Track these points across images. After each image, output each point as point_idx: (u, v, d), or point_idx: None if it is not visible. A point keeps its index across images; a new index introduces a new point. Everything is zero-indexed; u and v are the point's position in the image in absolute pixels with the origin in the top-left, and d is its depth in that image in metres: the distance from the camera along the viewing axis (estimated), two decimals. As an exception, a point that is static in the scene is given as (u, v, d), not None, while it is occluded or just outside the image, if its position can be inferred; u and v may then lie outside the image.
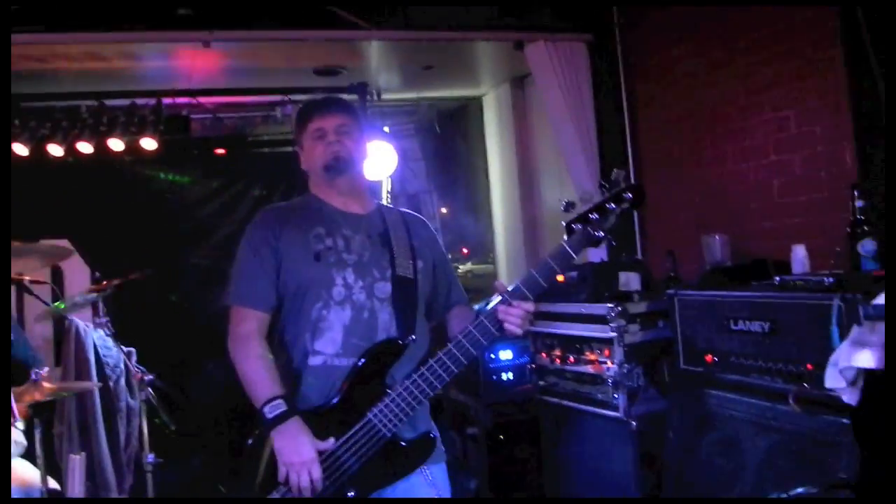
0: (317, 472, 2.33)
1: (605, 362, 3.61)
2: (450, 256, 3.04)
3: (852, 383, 2.24)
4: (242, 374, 2.44)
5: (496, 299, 2.39)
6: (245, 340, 2.46)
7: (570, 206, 2.39)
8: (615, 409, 3.54)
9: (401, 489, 2.46)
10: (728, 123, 4.28)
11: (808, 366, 2.66)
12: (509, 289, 2.37)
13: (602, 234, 2.37)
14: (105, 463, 4.59)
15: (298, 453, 2.32)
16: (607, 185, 2.39)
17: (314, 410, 2.42)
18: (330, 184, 2.59)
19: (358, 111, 2.73)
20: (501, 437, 4.60)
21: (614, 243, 2.48)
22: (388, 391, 2.39)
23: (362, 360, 2.42)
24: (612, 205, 2.36)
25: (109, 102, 5.62)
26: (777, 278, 2.90)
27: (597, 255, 4.81)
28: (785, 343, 2.77)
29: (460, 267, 7.16)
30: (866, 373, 2.19)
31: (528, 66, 5.36)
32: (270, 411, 2.35)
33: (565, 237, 2.38)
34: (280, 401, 2.36)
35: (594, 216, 2.36)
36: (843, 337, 2.43)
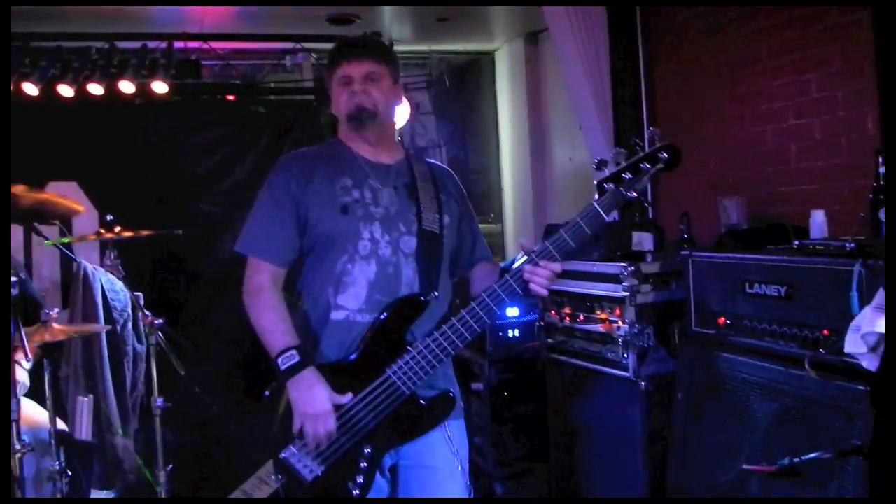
0: (332, 424, 2.31)
1: (616, 322, 3.60)
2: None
3: (873, 349, 2.23)
4: (257, 326, 2.42)
5: (522, 258, 2.34)
6: (258, 292, 2.43)
7: (602, 164, 2.31)
8: (625, 368, 3.54)
9: (419, 445, 2.45)
10: (747, 86, 4.22)
11: (825, 331, 2.63)
12: (536, 248, 2.32)
13: (635, 194, 2.30)
14: (111, 406, 4.61)
15: (313, 404, 2.31)
16: (641, 144, 2.31)
17: (333, 365, 2.40)
18: (358, 132, 2.51)
19: (392, 55, 2.60)
20: (506, 393, 4.61)
21: (647, 204, 2.40)
22: (409, 348, 2.36)
23: (383, 315, 2.38)
24: (647, 164, 2.29)
25: (120, 44, 5.55)
26: (796, 242, 2.87)
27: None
28: (801, 308, 2.75)
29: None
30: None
31: (546, 21, 5.28)
32: (284, 362, 2.33)
33: (596, 196, 2.31)
34: (293, 351, 2.34)
35: (627, 175, 2.28)
36: (863, 303, 2.41)
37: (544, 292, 2.34)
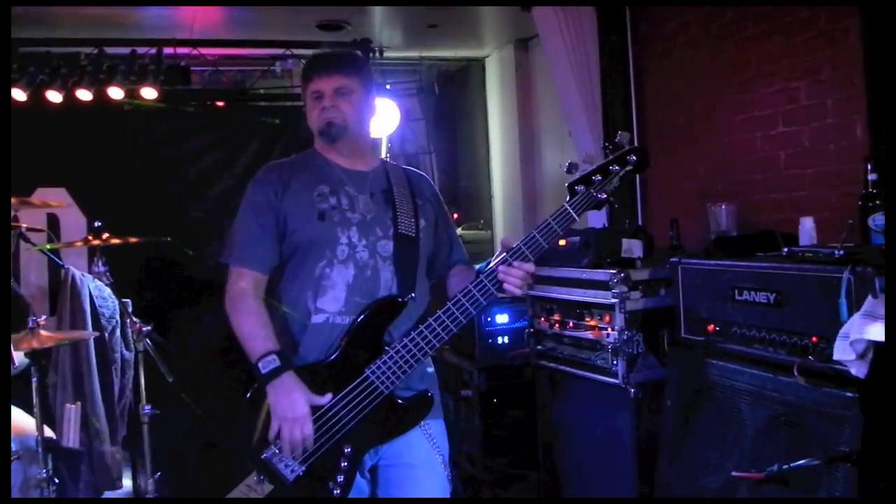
0: (308, 429, 2.35)
1: (606, 328, 3.60)
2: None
3: (861, 356, 2.23)
4: (238, 331, 2.45)
5: (497, 258, 2.39)
6: (240, 298, 2.47)
7: (572, 167, 2.39)
8: (614, 375, 3.54)
9: (397, 444, 2.49)
10: (736, 93, 4.24)
11: (814, 338, 2.63)
12: (510, 251, 2.37)
13: (605, 196, 2.38)
14: (98, 414, 4.58)
15: (292, 409, 2.34)
16: (611, 147, 2.39)
17: (313, 366, 2.43)
18: (331, 146, 2.57)
19: (364, 68, 2.64)
20: (495, 400, 4.60)
21: (617, 205, 2.49)
22: (387, 349, 2.39)
23: (361, 316, 2.42)
24: (616, 167, 2.37)
25: (109, 50, 5.54)
26: (785, 249, 2.88)
27: (598, 220, 4.80)
28: (791, 315, 2.75)
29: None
30: (877, 346, 2.18)
31: (536, 27, 5.30)
32: (264, 367, 2.36)
33: (568, 198, 2.38)
34: (274, 356, 2.37)
35: (597, 178, 2.37)
36: (851, 310, 2.42)
37: (518, 292, 2.38)
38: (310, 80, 2.53)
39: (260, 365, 2.36)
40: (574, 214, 2.36)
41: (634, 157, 2.37)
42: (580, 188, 2.36)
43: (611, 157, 2.37)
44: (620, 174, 2.37)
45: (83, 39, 5.50)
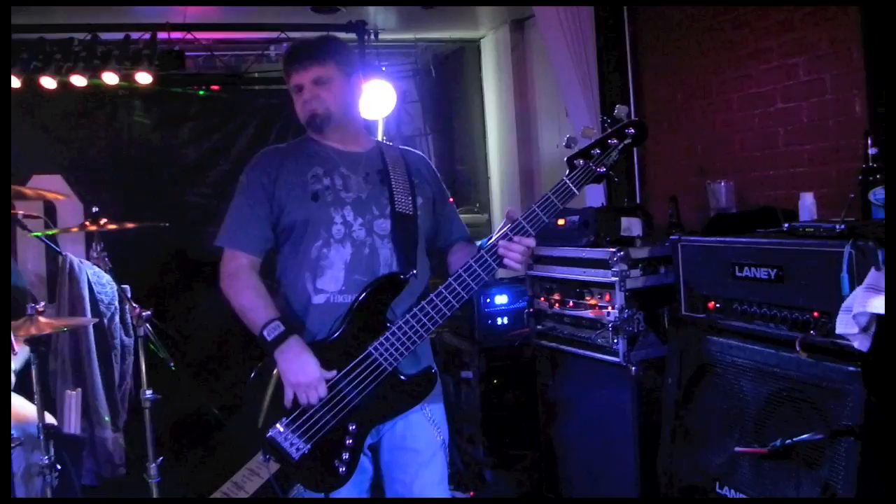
0: (323, 391, 2.36)
1: (606, 307, 3.60)
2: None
3: (864, 329, 2.23)
4: (237, 306, 2.47)
5: (497, 234, 2.39)
6: (235, 275, 2.49)
7: (571, 141, 2.38)
8: (615, 354, 3.54)
9: (400, 426, 2.52)
10: (734, 69, 4.22)
11: (815, 313, 2.63)
12: (510, 226, 2.37)
13: (604, 169, 2.37)
14: (99, 400, 4.58)
15: (305, 372, 2.35)
16: (609, 121, 2.38)
17: (316, 343, 2.43)
18: (320, 134, 2.58)
19: (340, 52, 2.59)
20: (495, 381, 4.61)
21: (616, 179, 2.49)
22: (389, 325, 2.40)
23: (363, 294, 2.43)
24: (615, 140, 2.36)
25: (103, 35, 5.50)
26: (786, 225, 2.87)
27: (597, 199, 4.79)
28: (792, 290, 2.75)
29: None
30: (879, 319, 2.17)
31: (531, 7, 5.27)
32: (269, 333, 2.37)
33: (567, 172, 2.37)
34: (277, 322, 2.39)
35: (596, 151, 2.36)
36: (853, 285, 2.42)
37: (518, 266, 2.40)
38: (289, 74, 2.55)
39: (265, 332, 2.37)
40: (574, 188, 2.35)
41: (633, 130, 2.36)
42: (579, 162, 2.36)
43: (609, 130, 2.37)
44: (619, 147, 2.36)
45: (77, 25, 5.45)
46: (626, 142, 2.36)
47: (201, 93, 6.09)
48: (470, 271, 2.37)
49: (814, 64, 3.76)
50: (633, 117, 2.40)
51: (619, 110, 2.39)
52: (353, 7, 5.82)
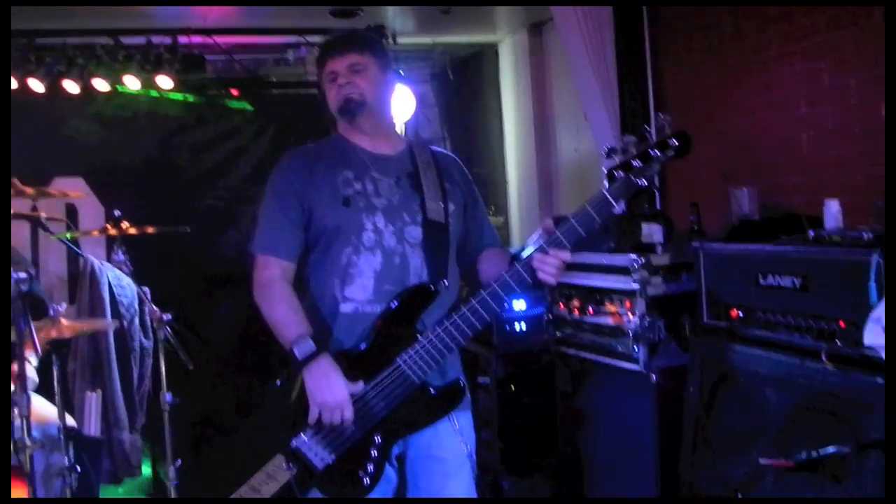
0: (349, 414, 2.31)
1: (626, 314, 3.57)
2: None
3: (893, 340, 2.20)
4: (269, 318, 2.42)
5: (531, 247, 2.33)
6: (268, 285, 2.44)
7: (612, 152, 2.29)
8: (635, 361, 3.51)
9: (427, 435, 2.45)
10: (757, 74, 4.18)
11: (842, 323, 2.60)
12: (545, 239, 2.31)
13: (645, 182, 2.27)
14: (118, 402, 4.60)
15: (332, 393, 2.30)
16: (650, 131, 2.30)
17: (344, 353, 2.39)
18: (352, 125, 2.53)
19: (378, 46, 2.59)
20: (513, 387, 4.59)
21: (658, 191, 2.41)
22: (419, 337, 2.36)
23: (394, 304, 2.39)
24: (657, 152, 2.25)
25: (125, 40, 5.53)
26: (811, 232, 2.84)
27: (618, 205, 4.76)
28: (817, 299, 2.71)
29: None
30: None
31: (550, 11, 5.24)
32: (300, 352, 2.33)
33: (606, 184, 2.28)
34: (308, 340, 2.34)
35: (637, 163, 2.25)
36: (881, 294, 2.38)
37: (553, 281, 2.33)
38: (324, 63, 2.51)
39: (295, 350, 2.33)
40: (613, 201, 2.27)
41: (676, 142, 2.25)
42: (619, 174, 2.26)
43: (651, 141, 2.27)
44: (662, 159, 2.26)
45: (99, 30, 5.49)
46: (669, 154, 2.26)
47: (230, 104, 6.10)
48: (503, 283, 2.32)
49: (838, 68, 3.72)
50: (675, 127, 2.28)
51: (661, 120, 2.29)
52: (371, 11, 5.82)
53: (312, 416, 2.33)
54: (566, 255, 2.30)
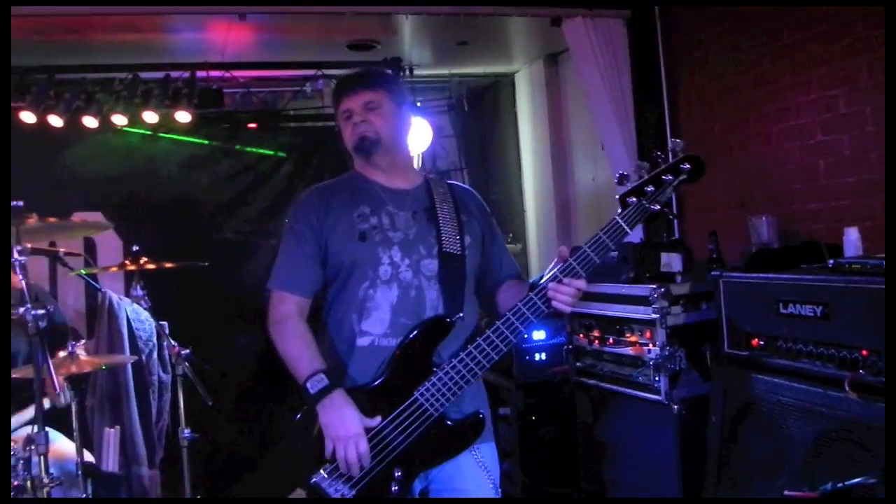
0: (364, 447, 2.30)
1: (647, 344, 3.55)
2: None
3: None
4: (284, 353, 2.43)
5: (549, 274, 2.33)
6: (283, 321, 2.46)
7: (623, 178, 2.31)
8: (656, 392, 3.48)
9: (449, 469, 2.43)
10: (773, 102, 4.18)
11: (864, 351, 2.57)
12: (559, 267, 2.31)
13: (658, 207, 2.29)
14: (136, 437, 4.59)
15: (345, 426, 2.29)
16: (663, 156, 2.30)
17: (360, 388, 2.38)
18: (368, 162, 2.55)
19: (392, 82, 2.65)
20: (533, 417, 4.55)
21: (672, 217, 2.39)
22: (436, 370, 2.35)
23: (409, 338, 2.38)
24: (670, 176, 2.27)
25: (143, 74, 5.59)
26: (831, 261, 2.82)
27: (636, 234, 4.74)
28: (839, 328, 2.69)
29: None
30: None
31: (566, 41, 5.27)
32: (313, 386, 2.33)
33: (619, 211, 2.30)
34: (321, 375, 2.34)
35: (650, 188, 2.27)
36: (904, 323, 2.35)
37: (568, 309, 2.32)
38: (339, 101, 2.54)
39: (308, 385, 2.33)
40: (626, 227, 2.29)
41: (688, 166, 2.27)
42: (632, 200, 2.28)
43: (664, 165, 2.28)
44: (674, 183, 2.28)
45: (118, 65, 5.55)
46: (681, 178, 2.28)
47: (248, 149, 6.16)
48: (518, 315, 2.32)
49: (854, 96, 3.71)
50: (687, 151, 2.31)
51: (674, 144, 2.31)
52: (388, 44, 5.86)
53: (328, 451, 2.32)
54: (581, 283, 2.30)
